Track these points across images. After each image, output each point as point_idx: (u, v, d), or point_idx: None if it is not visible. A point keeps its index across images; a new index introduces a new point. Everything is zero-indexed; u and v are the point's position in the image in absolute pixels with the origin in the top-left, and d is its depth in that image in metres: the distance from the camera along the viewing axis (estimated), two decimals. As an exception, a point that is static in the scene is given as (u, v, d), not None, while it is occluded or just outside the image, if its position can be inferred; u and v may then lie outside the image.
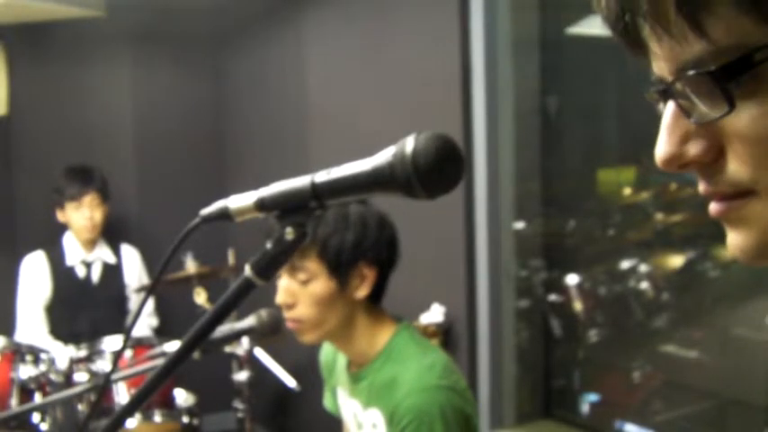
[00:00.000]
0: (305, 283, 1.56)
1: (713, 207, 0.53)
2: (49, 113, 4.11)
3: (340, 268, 1.55)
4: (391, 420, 1.51)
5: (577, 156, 2.78)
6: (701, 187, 0.53)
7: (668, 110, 0.53)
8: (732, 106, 0.48)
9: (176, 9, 3.98)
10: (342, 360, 1.73)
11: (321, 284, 1.55)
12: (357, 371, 1.63)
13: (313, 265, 1.54)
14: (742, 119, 0.48)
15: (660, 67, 0.53)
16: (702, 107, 0.50)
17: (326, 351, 1.83)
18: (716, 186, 0.52)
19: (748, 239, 0.52)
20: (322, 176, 0.74)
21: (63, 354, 3.34)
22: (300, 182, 0.75)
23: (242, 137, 4.41)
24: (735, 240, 0.53)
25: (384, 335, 1.61)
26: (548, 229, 2.78)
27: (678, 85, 0.51)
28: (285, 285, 1.58)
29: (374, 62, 3.14)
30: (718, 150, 0.51)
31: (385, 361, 1.58)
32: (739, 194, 0.51)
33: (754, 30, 0.46)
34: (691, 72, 0.49)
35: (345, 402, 1.71)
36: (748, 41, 0.46)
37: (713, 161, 0.51)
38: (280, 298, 1.58)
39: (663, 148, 0.52)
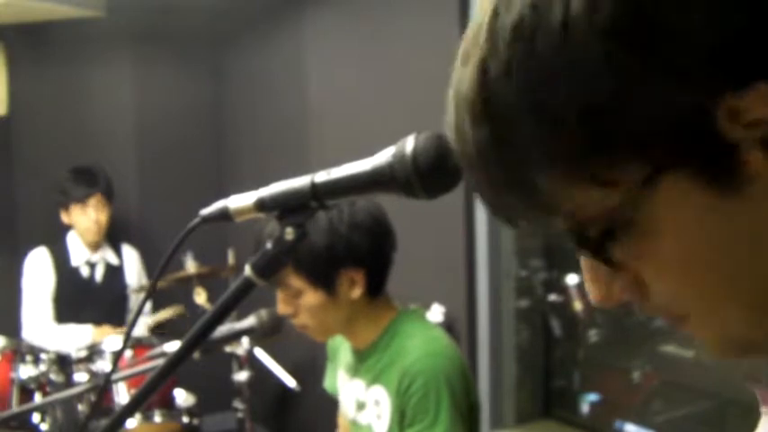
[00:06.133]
0: (296, 296, 1.55)
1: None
2: (49, 113, 4.10)
3: (320, 280, 1.53)
4: (399, 386, 1.52)
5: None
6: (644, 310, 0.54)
7: (582, 259, 0.54)
8: (613, 266, 0.50)
9: (176, 9, 3.98)
10: (347, 342, 1.74)
11: (310, 297, 1.54)
12: (363, 349, 1.65)
13: (294, 281, 1.53)
14: (640, 268, 0.50)
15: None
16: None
17: None
18: (653, 312, 0.52)
19: (708, 345, 0.53)
20: (322, 176, 0.74)
21: (79, 332, 3.36)
22: (300, 182, 0.75)
23: (242, 137, 4.41)
24: (703, 345, 0.54)
25: (387, 316, 1.63)
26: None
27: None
28: (281, 298, 1.59)
29: (374, 62, 3.14)
30: (642, 281, 0.51)
31: (391, 338, 1.60)
32: (675, 317, 0.52)
33: (598, 196, 0.47)
34: (573, 242, 0.51)
35: (346, 386, 1.72)
36: (600, 209, 0.48)
37: (642, 291, 0.51)
38: (280, 310, 1.60)
39: (593, 293, 0.53)
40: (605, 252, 0.49)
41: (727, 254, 0.47)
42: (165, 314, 3.32)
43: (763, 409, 0.62)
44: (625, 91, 0.44)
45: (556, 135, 0.46)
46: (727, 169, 0.45)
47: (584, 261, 0.53)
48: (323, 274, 1.52)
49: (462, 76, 0.51)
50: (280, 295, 1.59)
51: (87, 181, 3.53)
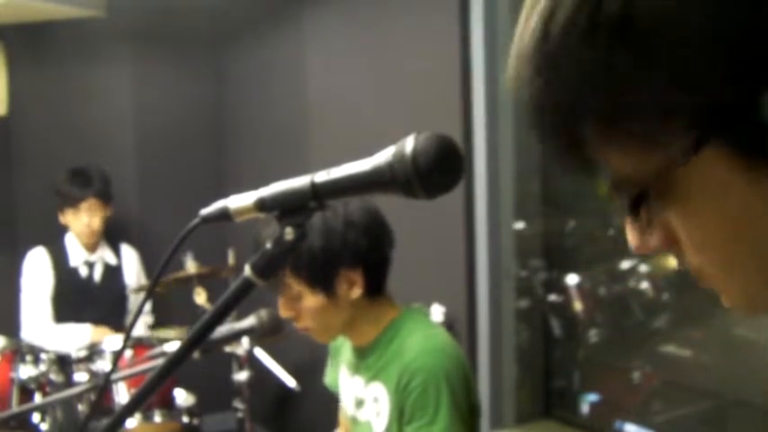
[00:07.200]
0: (297, 299, 1.55)
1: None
2: (49, 113, 4.10)
3: (318, 282, 1.52)
4: (398, 383, 1.52)
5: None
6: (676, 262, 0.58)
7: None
8: (649, 224, 0.53)
9: (176, 9, 3.98)
10: (349, 340, 1.74)
11: (309, 300, 1.54)
12: (364, 347, 1.65)
13: (293, 284, 1.53)
14: (673, 222, 0.52)
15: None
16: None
17: None
18: (683, 265, 0.56)
19: (730, 301, 0.56)
20: (322, 176, 0.74)
21: (78, 332, 3.36)
22: (300, 182, 0.75)
23: (242, 137, 4.41)
24: (724, 301, 0.57)
25: (389, 315, 1.63)
26: (548, 229, 2.77)
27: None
28: (282, 302, 1.59)
29: (374, 62, 3.14)
30: (675, 238, 0.54)
31: (393, 336, 1.60)
32: (704, 275, 0.55)
33: (641, 157, 0.49)
34: (614, 195, 0.54)
35: (347, 383, 1.72)
36: (638, 170, 0.50)
37: (674, 245, 0.55)
38: (281, 314, 1.60)
39: (630, 240, 0.57)
40: (638, 210, 0.52)
41: (754, 227, 0.49)
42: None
43: None
44: (694, 60, 0.44)
45: (612, 91, 0.47)
46: (762, 154, 0.46)
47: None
48: (321, 276, 1.52)
49: (524, 31, 0.54)
50: (281, 299, 1.59)
51: (81, 183, 3.51)
